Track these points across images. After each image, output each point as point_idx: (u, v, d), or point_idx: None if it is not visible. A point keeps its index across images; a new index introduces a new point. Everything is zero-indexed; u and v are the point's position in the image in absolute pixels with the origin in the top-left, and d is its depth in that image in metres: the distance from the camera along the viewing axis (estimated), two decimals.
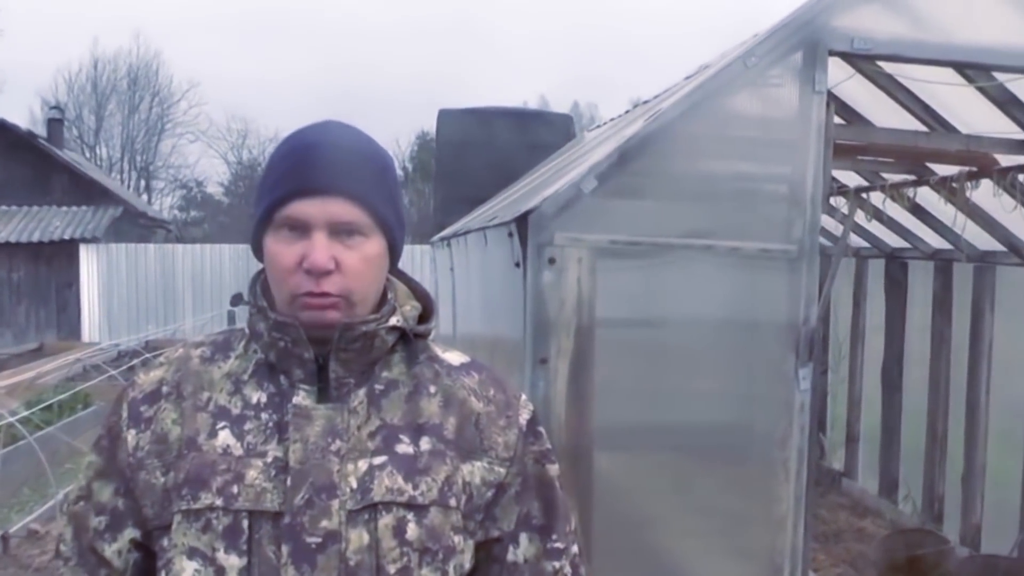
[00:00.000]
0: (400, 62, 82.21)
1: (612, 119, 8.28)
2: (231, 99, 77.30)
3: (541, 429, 1.83)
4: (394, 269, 1.77)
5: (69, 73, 50.34)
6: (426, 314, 1.79)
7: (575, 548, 1.83)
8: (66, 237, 25.01)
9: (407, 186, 42.86)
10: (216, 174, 52.89)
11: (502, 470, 1.73)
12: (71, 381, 15.59)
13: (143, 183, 49.59)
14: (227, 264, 25.27)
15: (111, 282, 24.88)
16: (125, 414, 1.69)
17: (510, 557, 1.75)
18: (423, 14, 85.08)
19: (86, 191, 27.72)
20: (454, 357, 1.81)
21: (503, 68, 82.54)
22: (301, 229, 1.60)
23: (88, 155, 44.90)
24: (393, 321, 1.69)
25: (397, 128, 67.00)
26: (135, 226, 29.04)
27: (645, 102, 6.86)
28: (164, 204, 49.79)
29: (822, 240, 5.86)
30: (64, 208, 26.87)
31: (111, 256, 24.97)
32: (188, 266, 25.29)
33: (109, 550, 1.68)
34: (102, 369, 16.05)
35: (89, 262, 24.87)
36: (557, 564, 1.78)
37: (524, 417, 1.79)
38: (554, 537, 1.78)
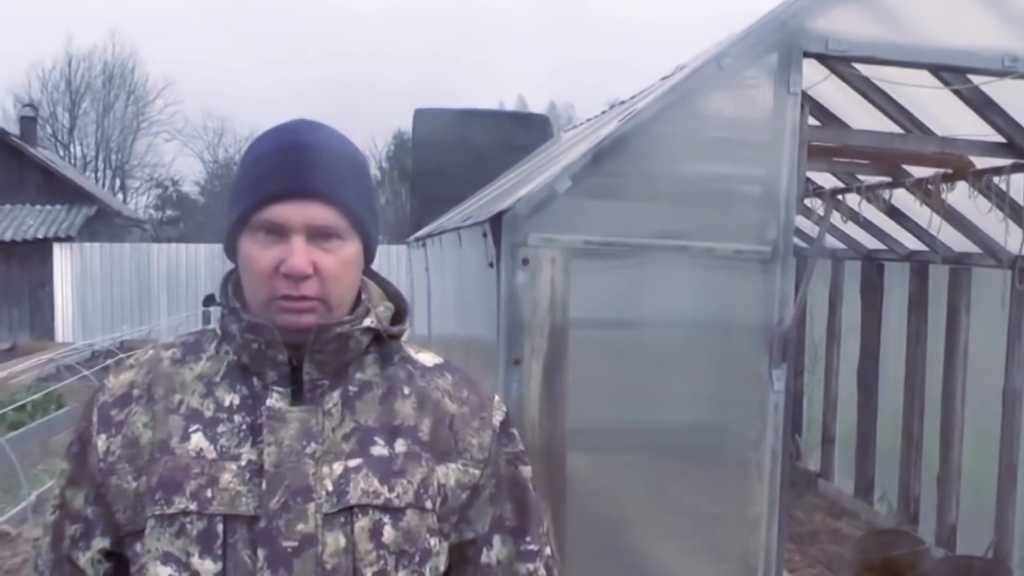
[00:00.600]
0: (377, 61, 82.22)
1: (589, 119, 8.27)
2: (207, 98, 77.16)
3: (514, 431, 1.82)
4: (367, 270, 1.76)
5: (43, 70, 50.23)
6: (399, 315, 1.78)
7: (548, 550, 1.83)
8: (39, 236, 24.84)
9: (383, 186, 42.80)
10: (192, 173, 52.71)
11: (476, 472, 1.72)
12: (44, 381, 15.46)
13: (118, 182, 49.29)
14: (203, 264, 25.13)
15: (85, 282, 24.68)
16: (95, 419, 1.67)
17: (484, 559, 1.75)
18: (401, 14, 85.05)
19: (60, 190, 27.59)
20: (427, 358, 1.80)
21: (480, 68, 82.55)
22: (279, 232, 1.59)
23: (62, 153, 44.58)
24: (367, 322, 1.68)
25: (374, 127, 67.02)
26: (110, 225, 28.88)
27: (622, 103, 6.85)
28: (139, 203, 49.56)
29: (798, 242, 5.89)
30: (37, 207, 26.71)
31: (85, 255, 24.78)
32: (163, 266, 25.14)
33: (83, 559, 1.66)
34: (75, 370, 15.91)
35: (63, 261, 24.66)
36: (531, 566, 1.77)
37: (497, 418, 1.79)
38: (527, 539, 1.78)
